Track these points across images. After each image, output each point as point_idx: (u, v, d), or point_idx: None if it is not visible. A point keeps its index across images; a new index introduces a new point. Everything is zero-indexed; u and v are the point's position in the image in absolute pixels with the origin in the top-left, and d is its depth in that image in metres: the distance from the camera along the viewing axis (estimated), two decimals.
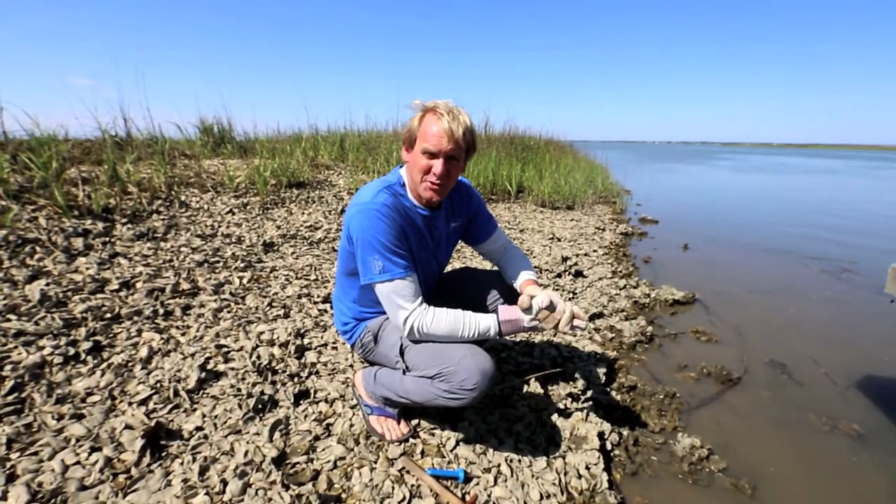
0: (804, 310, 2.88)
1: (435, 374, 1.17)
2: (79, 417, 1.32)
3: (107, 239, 2.43)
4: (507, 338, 2.02)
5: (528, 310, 1.21)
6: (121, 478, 1.14)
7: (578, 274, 3.17)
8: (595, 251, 3.81)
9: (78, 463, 1.17)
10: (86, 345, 1.61)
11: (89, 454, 1.19)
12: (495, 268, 1.58)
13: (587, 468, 1.33)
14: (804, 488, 1.39)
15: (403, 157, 1.28)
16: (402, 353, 1.26)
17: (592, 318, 2.46)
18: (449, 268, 2.71)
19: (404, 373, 1.26)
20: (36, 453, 1.18)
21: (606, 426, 1.53)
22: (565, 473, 1.31)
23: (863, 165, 25.19)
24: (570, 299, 2.76)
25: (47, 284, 1.89)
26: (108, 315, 1.81)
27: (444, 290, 1.55)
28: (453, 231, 1.45)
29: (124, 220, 2.67)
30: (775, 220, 6.30)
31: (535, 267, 3.21)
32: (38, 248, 2.15)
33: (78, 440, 1.23)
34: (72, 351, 1.57)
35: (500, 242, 1.54)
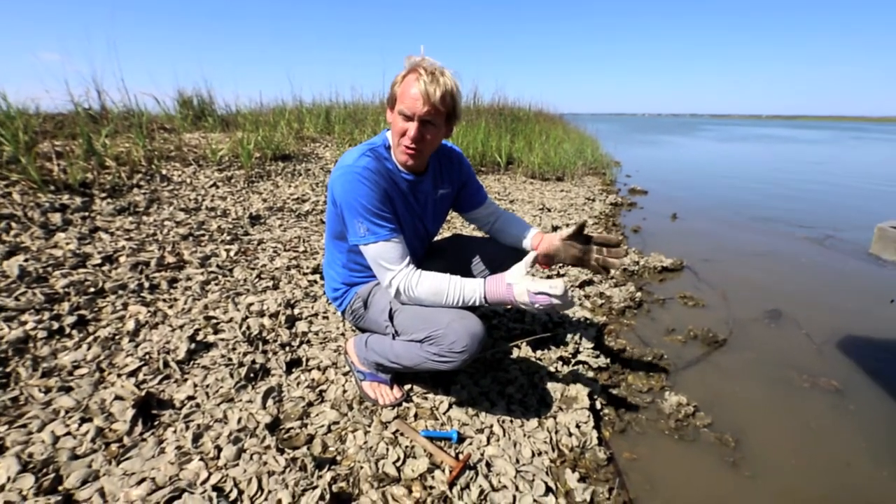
0: (788, 274, 2.94)
1: (424, 338, 1.17)
2: (67, 390, 1.30)
3: (86, 214, 2.36)
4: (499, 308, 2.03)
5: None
6: (113, 447, 1.14)
7: None
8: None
9: (69, 434, 1.16)
10: (70, 319, 1.57)
11: (80, 425, 1.18)
12: (486, 236, 1.57)
13: (577, 426, 1.36)
14: (785, 441, 1.45)
15: (387, 117, 1.24)
16: (391, 317, 1.26)
17: (582, 284, 2.48)
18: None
19: (394, 337, 1.26)
20: (25, 426, 1.17)
21: (596, 387, 1.56)
22: (556, 432, 1.34)
23: (838, 135, 26.14)
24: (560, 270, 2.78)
25: (26, 260, 1.84)
26: (92, 289, 1.77)
27: (433, 257, 1.53)
28: (441, 198, 1.41)
29: (103, 195, 2.59)
30: (760, 189, 6.36)
31: None
32: (13, 224, 2.08)
33: (67, 412, 1.22)
34: (56, 325, 1.54)
35: (492, 209, 1.52)
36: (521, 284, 1.13)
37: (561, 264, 1.36)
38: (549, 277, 2.49)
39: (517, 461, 1.21)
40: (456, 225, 3.34)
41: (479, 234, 2.88)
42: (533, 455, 1.24)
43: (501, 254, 1.48)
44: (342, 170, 1.18)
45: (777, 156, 12.16)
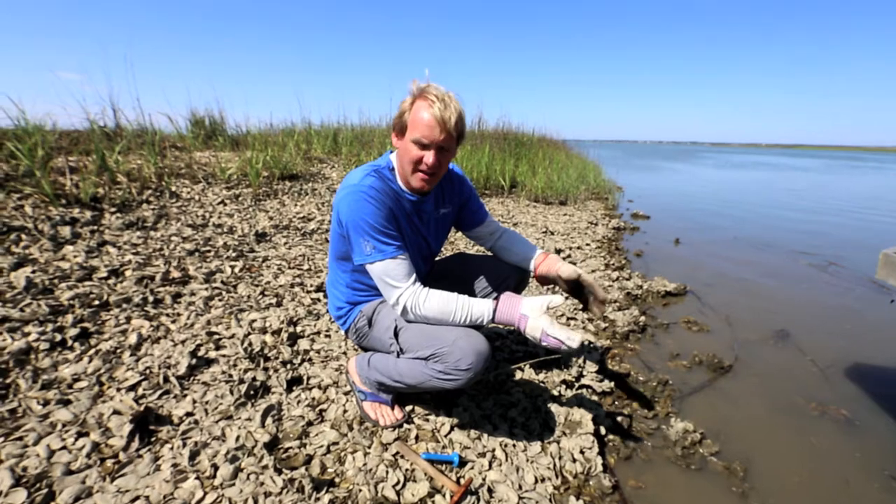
0: (792, 301, 2.92)
1: (429, 355, 1.16)
2: (65, 403, 1.29)
3: (95, 227, 2.39)
4: (502, 326, 2.02)
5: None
6: (108, 463, 1.12)
7: None
8: (588, 245, 3.82)
9: (64, 448, 1.14)
10: (73, 331, 1.57)
11: (76, 439, 1.17)
12: (489, 254, 1.58)
13: (581, 452, 1.33)
14: (795, 471, 1.41)
15: (394, 142, 1.26)
16: (396, 335, 1.25)
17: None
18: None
19: (398, 355, 1.25)
20: (21, 438, 1.15)
21: (600, 412, 1.53)
22: (560, 458, 1.31)
23: (833, 164, 26.62)
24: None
25: (33, 272, 1.85)
26: (96, 302, 1.77)
27: (436, 275, 1.54)
28: (443, 217, 1.43)
29: (113, 210, 2.62)
30: (760, 215, 6.38)
31: None
32: (23, 236, 2.10)
33: (64, 425, 1.21)
34: (58, 337, 1.53)
35: (494, 227, 1.54)
36: (537, 321, 1.13)
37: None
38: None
39: (520, 487, 1.18)
40: (460, 246, 3.36)
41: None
42: (536, 481, 1.21)
43: (504, 272, 1.48)
44: (347, 189, 1.19)
45: (774, 183, 12.26)
